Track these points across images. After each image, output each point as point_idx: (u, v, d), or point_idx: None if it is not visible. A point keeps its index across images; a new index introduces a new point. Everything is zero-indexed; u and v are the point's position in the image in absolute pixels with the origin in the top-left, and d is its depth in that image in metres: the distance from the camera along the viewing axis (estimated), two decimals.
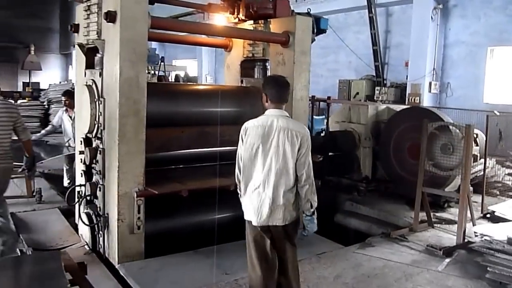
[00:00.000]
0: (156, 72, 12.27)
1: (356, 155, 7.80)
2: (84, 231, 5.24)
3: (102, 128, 4.76)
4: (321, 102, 10.90)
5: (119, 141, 4.42)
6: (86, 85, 4.94)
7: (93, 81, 4.90)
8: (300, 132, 3.47)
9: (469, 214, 5.84)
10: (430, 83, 11.39)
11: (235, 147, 5.56)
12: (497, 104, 10.37)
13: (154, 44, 19.39)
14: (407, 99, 11.43)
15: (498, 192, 7.56)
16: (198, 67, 18.75)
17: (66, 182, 7.02)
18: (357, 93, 12.29)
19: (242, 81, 6.35)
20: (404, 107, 8.57)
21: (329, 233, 5.88)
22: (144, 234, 4.70)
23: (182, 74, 13.68)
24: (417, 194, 5.93)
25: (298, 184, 3.48)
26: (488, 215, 6.47)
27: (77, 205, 5.43)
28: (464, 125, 5.65)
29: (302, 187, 3.46)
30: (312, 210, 3.51)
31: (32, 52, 23.41)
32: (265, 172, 3.46)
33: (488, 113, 7.41)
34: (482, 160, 7.03)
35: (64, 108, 7.25)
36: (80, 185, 5.31)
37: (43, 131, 7.60)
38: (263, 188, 3.47)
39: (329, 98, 8.37)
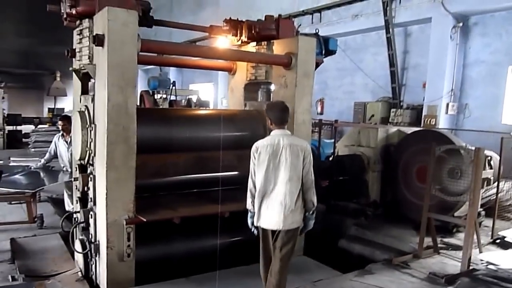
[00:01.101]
0: (168, 97, 12.28)
1: (364, 179, 7.55)
2: (79, 257, 5.17)
3: (93, 154, 4.71)
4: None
5: (107, 168, 4.33)
6: (79, 111, 4.90)
7: (86, 107, 4.86)
8: (303, 146, 4.09)
9: (476, 240, 5.55)
10: (447, 104, 11.07)
11: (234, 173, 5.58)
12: None
13: (171, 69, 19.67)
14: (422, 121, 11.13)
15: None
16: (215, 91, 18.87)
17: (70, 207, 6.98)
18: (372, 115, 12.06)
19: (245, 105, 6.25)
20: (415, 129, 8.31)
21: (332, 258, 5.67)
22: (134, 261, 4.59)
23: (194, 98, 13.70)
24: (422, 219, 5.69)
25: (303, 188, 4.05)
26: (498, 241, 6.15)
27: (72, 232, 5.38)
28: (473, 148, 5.41)
29: (308, 190, 4.08)
30: (313, 209, 4.12)
31: (58, 79, 23.89)
32: (278, 183, 3.98)
33: (503, 135, 7.10)
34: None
35: (61, 133, 7.27)
36: (75, 212, 5.28)
37: (42, 161, 7.53)
38: (277, 197, 3.98)
39: (336, 121, 8.19)
